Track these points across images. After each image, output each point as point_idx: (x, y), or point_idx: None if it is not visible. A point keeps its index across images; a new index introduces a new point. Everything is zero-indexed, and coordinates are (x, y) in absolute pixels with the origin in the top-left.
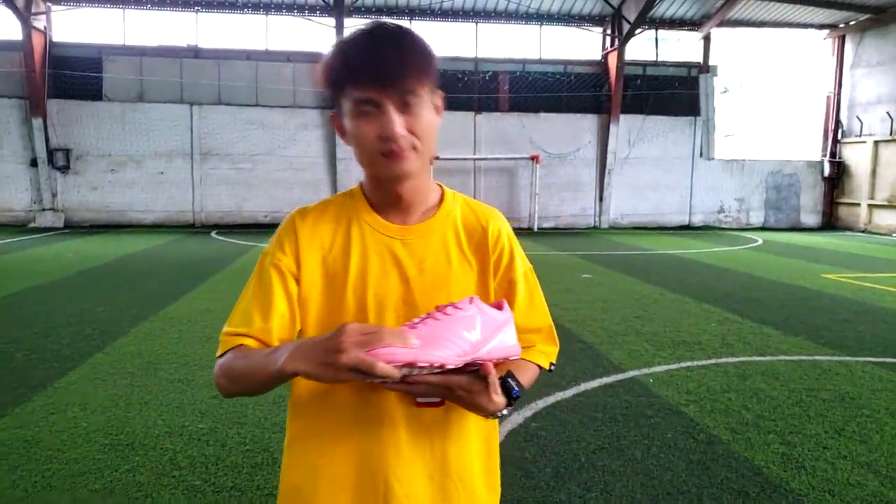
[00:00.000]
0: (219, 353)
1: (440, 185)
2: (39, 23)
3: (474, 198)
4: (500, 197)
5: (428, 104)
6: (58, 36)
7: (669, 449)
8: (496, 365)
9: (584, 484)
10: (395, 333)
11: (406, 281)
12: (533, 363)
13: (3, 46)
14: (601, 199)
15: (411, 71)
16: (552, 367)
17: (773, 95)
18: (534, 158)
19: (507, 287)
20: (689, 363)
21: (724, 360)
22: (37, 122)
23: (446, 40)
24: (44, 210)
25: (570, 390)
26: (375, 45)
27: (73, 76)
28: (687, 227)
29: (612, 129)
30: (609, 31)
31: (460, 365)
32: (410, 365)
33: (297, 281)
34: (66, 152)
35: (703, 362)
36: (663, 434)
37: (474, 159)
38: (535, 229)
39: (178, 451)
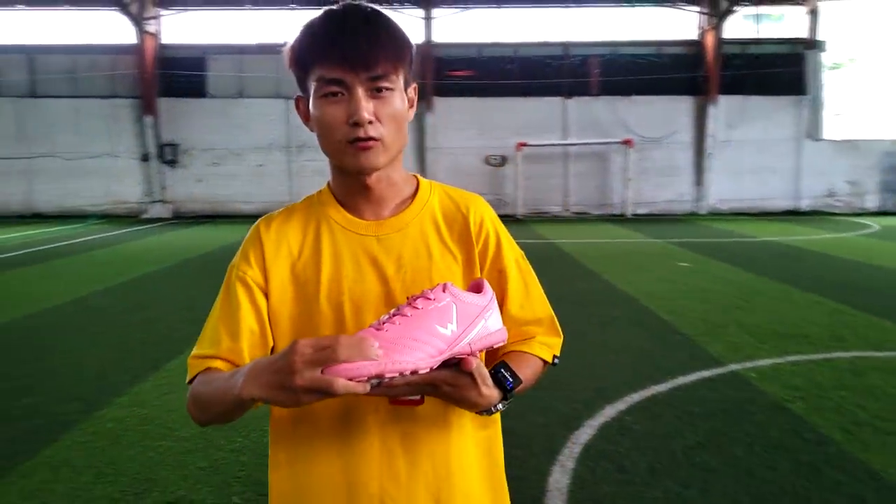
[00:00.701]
0: (188, 379)
1: (416, 176)
2: (151, 27)
3: (564, 185)
4: (591, 182)
5: (400, 93)
6: (166, 38)
7: (774, 448)
8: (490, 353)
9: (682, 481)
10: (354, 344)
11: (385, 280)
12: (534, 356)
13: (118, 50)
14: (699, 184)
15: (384, 54)
16: (556, 361)
17: (889, 70)
18: (627, 142)
19: (498, 277)
20: (795, 357)
21: (834, 354)
22: (148, 120)
23: (535, 25)
24: (154, 202)
25: (665, 384)
26: (347, 24)
27: (180, 75)
28: (793, 213)
29: (711, 110)
30: (706, 10)
31: (435, 366)
32: (378, 376)
33: (266, 294)
34: (174, 147)
35: (812, 357)
36: (767, 432)
37: (564, 144)
38: (629, 215)
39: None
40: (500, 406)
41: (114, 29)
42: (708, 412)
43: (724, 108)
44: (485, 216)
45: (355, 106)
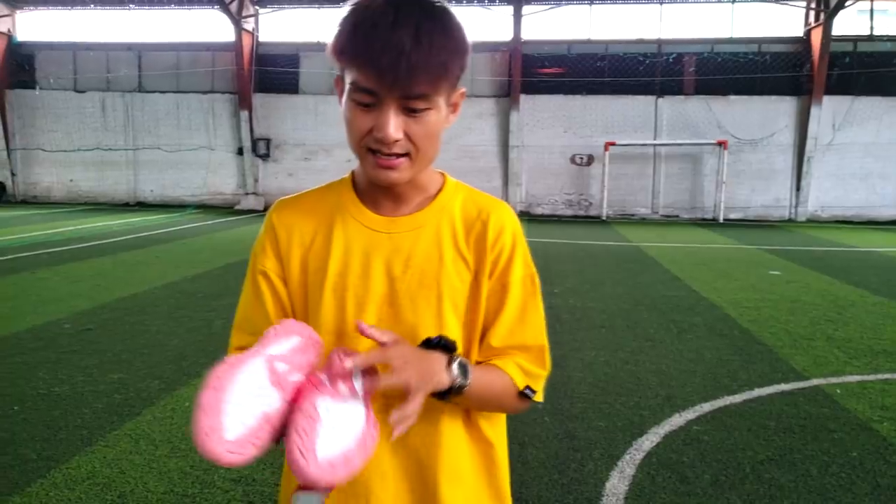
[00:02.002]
0: None
1: (443, 175)
2: (248, 25)
3: (653, 186)
4: (682, 185)
5: (440, 107)
6: (263, 36)
7: (853, 468)
8: None
9: (747, 496)
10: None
11: (391, 280)
12: (503, 372)
13: (218, 48)
14: (798, 189)
15: (428, 72)
16: (529, 393)
17: None
18: (721, 144)
19: (500, 291)
20: (888, 375)
21: None
22: (244, 115)
23: (628, 23)
24: (247, 194)
25: (740, 395)
26: (393, 29)
27: (275, 72)
28: None
29: (814, 111)
30: (813, 6)
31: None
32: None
33: (285, 281)
34: (267, 142)
35: None
36: (847, 451)
37: (655, 145)
38: (721, 220)
39: None
40: (456, 375)
41: (214, 27)
42: (783, 427)
43: (829, 109)
44: (505, 226)
45: (383, 123)
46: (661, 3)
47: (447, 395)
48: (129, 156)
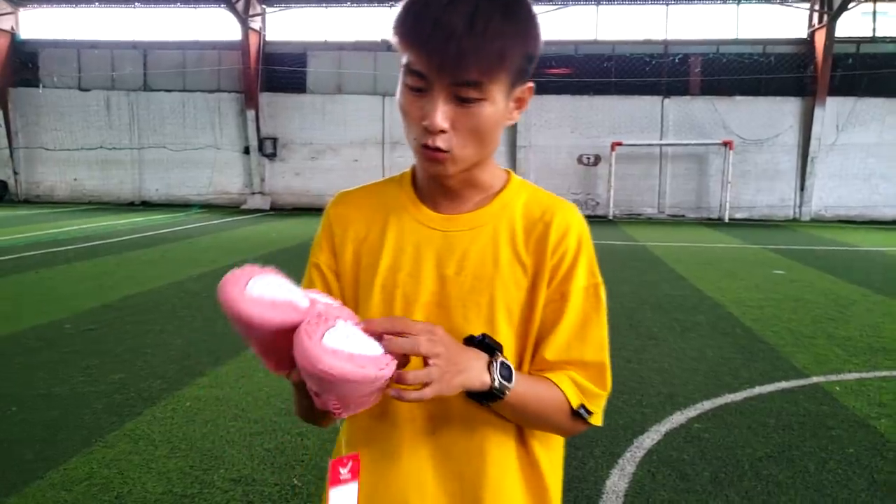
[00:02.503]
0: None
1: (508, 172)
2: (255, 24)
3: (659, 187)
4: (688, 185)
5: (497, 100)
6: (270, 35)
7: (850, 465)
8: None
9: (745, 493)
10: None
11: (442, 281)
12: (556, 386)
13: (224, 46)
14: (802, 189)
15: (479, 61)
16: (583, 412)
17: None
18: (727, 144)
19: (559, 300)
20: (886, 373)
21: None
22: (250, 114)
23: (634, 23)
24: (253, 193)
25: (741, 392)
26: (447, 9)
27: (282, 71)
28: None
29: (818, 112)
30: (817, 7)
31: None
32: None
33: (337, 275)
34: (274, 141)
35: None
36: (844, 448)
37: (661, 145)
38: (727, 220)
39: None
40: (496, 378)
41: (220, 25)
42: (783, 424)
43: (833, 110)
44: (571, 229)
45: (430, 110)
46: (668, 4)
47: (485, 400)
48: (134, 155)
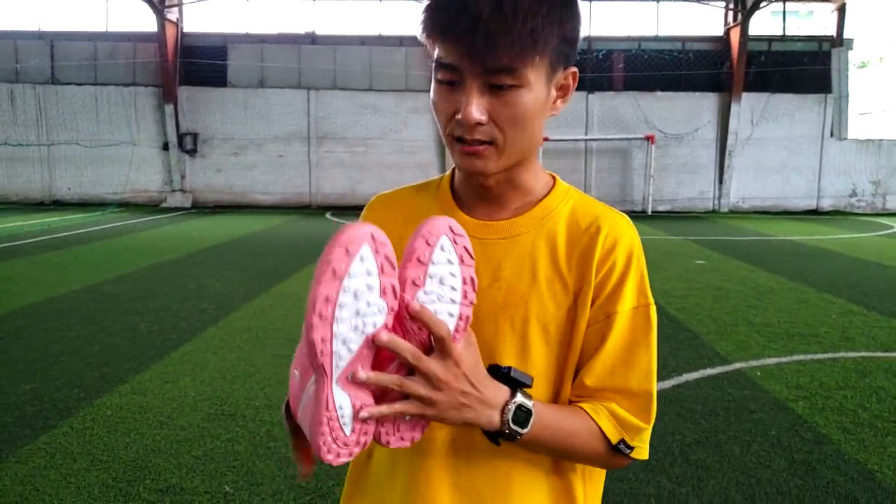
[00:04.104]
0: None
1: (554, 177)
2: (172, 15)
3: (584, 181)
4: (613, 179)
5: (535, 86)
6: (188, 27)
7: (772, 446)
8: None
9: (676, 478)
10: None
11: None
12: (591, 419)
13: (139, 38)
14: (721, 182)
15: (509, 44)
16: (623, 448)
17: None
18: (649, 139)
19: (603, 322)
20: (802, 357)
21: (842, 354)
22: (168, 109)
23: None
24: (174, 191)
25: (669, 381)
26: None
27: (201, 64)
28: (814, 212)
29: (734, 108)
30: (731, 6)
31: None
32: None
33: None
34: (194, 136)
35: (819, 356)
36: (766, 430)
37: (586, 140)
38: (650, 212)
39: (276, 423)
40: (509, 421)
41: (134, 16)
42: (709, 410)
43: (748, 105)
44: (620, 242)
45: (463, 103)
46: (591, 1)
47: (496, 439)
48: (43, 152)
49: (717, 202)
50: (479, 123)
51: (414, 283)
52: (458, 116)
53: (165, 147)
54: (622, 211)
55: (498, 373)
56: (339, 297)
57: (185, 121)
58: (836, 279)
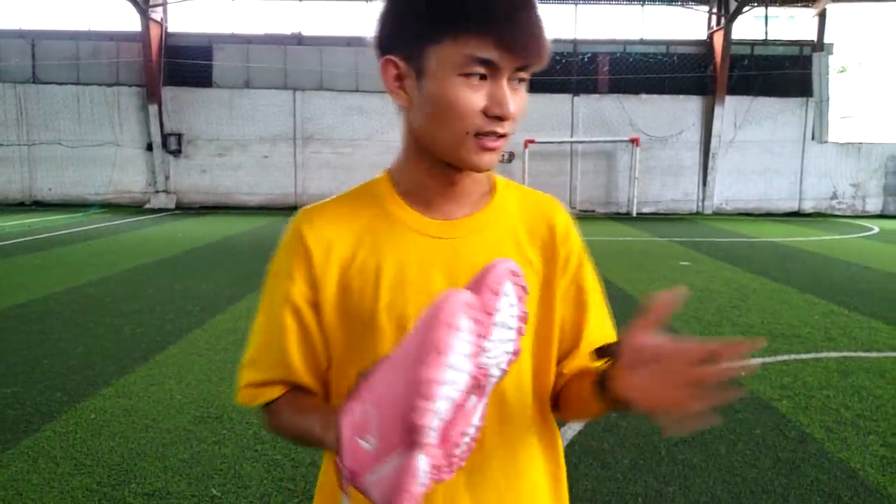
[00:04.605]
0: (256, 404)
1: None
2: (156, 15)
3: (570, 183)
4: (598, 181)
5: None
6: (172, 27)
7: (756, 445)
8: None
9: (663, 477)
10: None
11: None
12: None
13: (123, 38)
14: (705, 184)
15: (545, 39)
16: None
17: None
18: (633, 141)
19: (576, 293)
20: (785, 357)
21: (824, 354)
22: (152, 109)
23: (544, 22)
24: (157, 192)
25: None
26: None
27: (186, 64)
28: (796, 214)
29: (717, 111)
30: (715, 10)
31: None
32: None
33: (318, 307)
34: (179, 137)
35: (802, 356)
36: (751, 430)
37: (571, 142)
38: (634, 214)
39: (263, 426)
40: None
41: (118, 16)
42: None
43: (731, 108)
44: (571, 226)
45: (502, 97)
46: (576, 4)
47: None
48: (23, 152)
49: (700, 204)
50: (514, 118)
51: (481, 337)
52: (496, 110)
53: (149, 147)
54: (607, 212)
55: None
56: (444, 376)
57: (169, 121)
58: (819, 280)
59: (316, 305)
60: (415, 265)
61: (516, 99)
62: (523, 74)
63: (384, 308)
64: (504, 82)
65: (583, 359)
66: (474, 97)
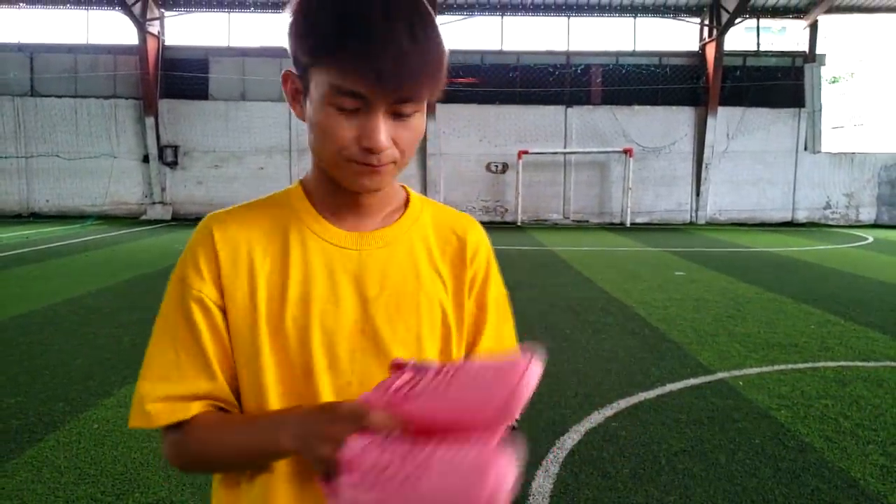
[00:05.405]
0: (165, 424)
1: (404, 187)
2: (153, 28)
3: (563, 193)
4: (591, 191)
5: (423, 109)
6: (169, 40)
7: (756, 455)
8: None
9: (663, 487)
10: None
11: (364, 303)
12: None
13: (121, 51)
14: (698, 194)
15: (427, 75)
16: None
17: (887, 84)
18: (627, 152)
19: (476, 313)
20: (783, 366)
21: (821, 364)
22: (149, 121)
23: (538, 34)
24: (154, 203)
25: (653, 390)
26: (387, 21)
27: (182, 77)
28: (790, 224)
29: (710, 121)
30: (707, 22)
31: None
32: None
33: (223, 311)
34: (175, 149)
35: (799, 366)
36: (750, 439)
37: (565, 153)
38: (628, 224)
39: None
40: None
41: (116, 29)
42: (694, 419)
43: (724, 119)
44: (481, 244)
45: (373, 131)
46: (569, 17)
47: None
48: (21, 164)
49: (694, 214)
50: (388, 149)
51: None
52: (367, 143)
53: (146, 159)
54: (601, 223)
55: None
56: None
57: (165, 133)
58: (814, 290)
59: (222, 309)
60: (322, 276)
61: (399, 129)
62: (412, 108)
63: (290, 318)
64: (378, 115)
65: None
66: (346, 126)
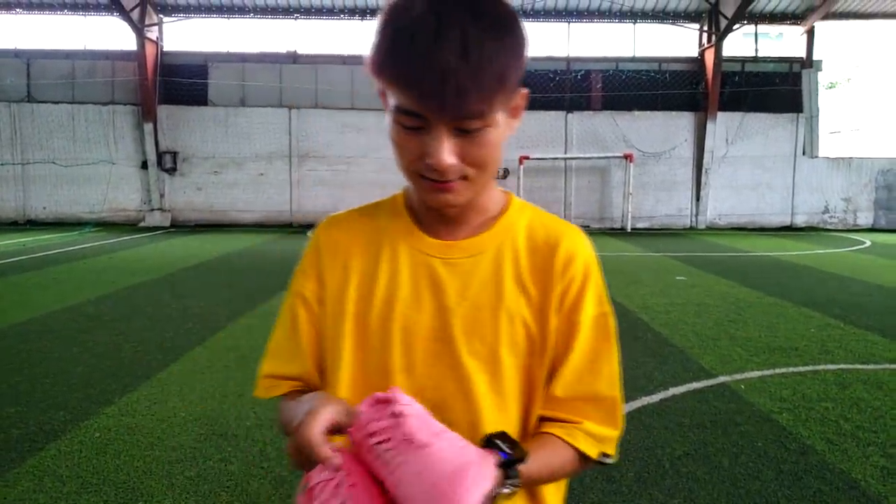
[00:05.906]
0: (266, 396)
1: (508, 194)
2: (152, 34)
3: (564, 199)
4: (592, 196)
5: (499, 121)
6: (168, 45)
7: (759, 458)
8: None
9: (668, 490)
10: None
11: (443, 311)
12: (569, 445)
13: (119, 56)
14: (698, 199)
15: (480, 93)
16: (605, 460)
17: (884, 90)
18: (627, 157)
19: (567, 331)
20: (784, 370)
21: (822, 367)
22: (148, 127)
23: (538, 40)
24: (153, 210)
25: (657, 395)
26: (436, 41)
27: (181, 83)
28: (789, 228)
29: (710, 126)
30: (705, 28)
31: None
32: None
33: (322, 302)
34: (174, 155)
35: (800, 369)
36: (753, 442)
37: (565, 158)
38: (629, 229)
39: (268, 442)
40: (505, 487)
41: (114, 35)
42: (697, 423)
43: (723, 124)
44: (577, 254)
45: (435, 150)
46: (569, 23)
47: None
48: (17, 171)
49: (694, 219)
50: (452, 166)
51: None
52: (429, 161)
53: (144, 166)
54: (602, 228)
55: (488, 441)
56: None
57: (164, 139)
58: (814, 294)
59: (322, 301)
60: (407, 281)
61: (466, 146)
62: (474, 124)
63: (376, 317)
64: (439, 133)
65: (548, 403)
66: (412, 143)
